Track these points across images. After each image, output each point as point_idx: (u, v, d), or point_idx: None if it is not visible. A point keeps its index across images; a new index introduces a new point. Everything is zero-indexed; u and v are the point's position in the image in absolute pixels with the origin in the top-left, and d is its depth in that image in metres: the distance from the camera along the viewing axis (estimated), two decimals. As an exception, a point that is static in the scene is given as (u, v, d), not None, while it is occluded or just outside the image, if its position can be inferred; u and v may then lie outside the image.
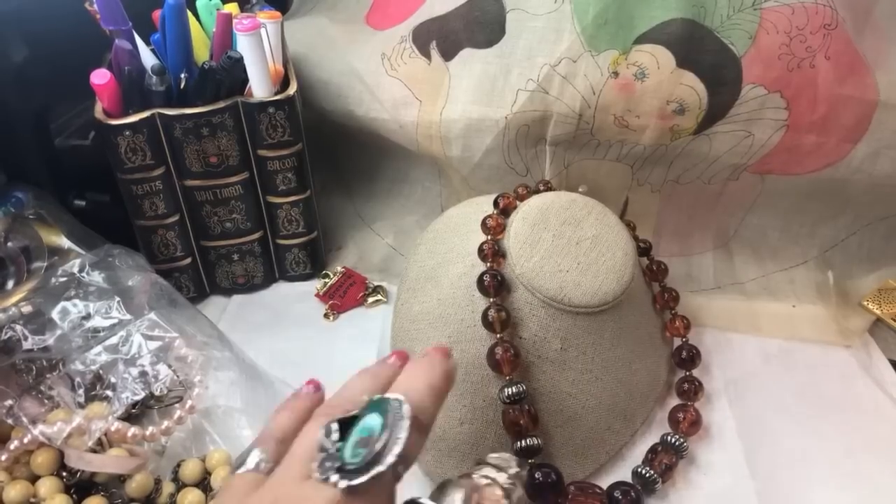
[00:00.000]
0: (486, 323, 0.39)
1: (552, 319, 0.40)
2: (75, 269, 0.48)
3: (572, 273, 0.41)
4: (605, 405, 0.42)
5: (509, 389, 0.37)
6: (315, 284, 0.57)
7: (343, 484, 0.21)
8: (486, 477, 0.26)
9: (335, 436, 0.23)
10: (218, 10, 0.49)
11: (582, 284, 0.41)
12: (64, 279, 0.47)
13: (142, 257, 0.51)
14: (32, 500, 0.39)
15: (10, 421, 0.40)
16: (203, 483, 0.41)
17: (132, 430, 0.40)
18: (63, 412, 0.41)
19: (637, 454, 0.44)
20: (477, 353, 0.39)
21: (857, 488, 0.42)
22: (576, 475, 0.41)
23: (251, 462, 0.25)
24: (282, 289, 0.58)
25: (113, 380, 0.43)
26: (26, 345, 0.43)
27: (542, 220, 0.42)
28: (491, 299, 0.39)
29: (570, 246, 0.42)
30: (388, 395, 0.24)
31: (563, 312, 0.40)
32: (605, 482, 0.41)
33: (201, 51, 0.50)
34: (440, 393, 0.25)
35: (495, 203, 0.44)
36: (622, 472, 0.43)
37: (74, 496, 0.39)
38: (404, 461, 0.22)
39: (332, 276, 0.57)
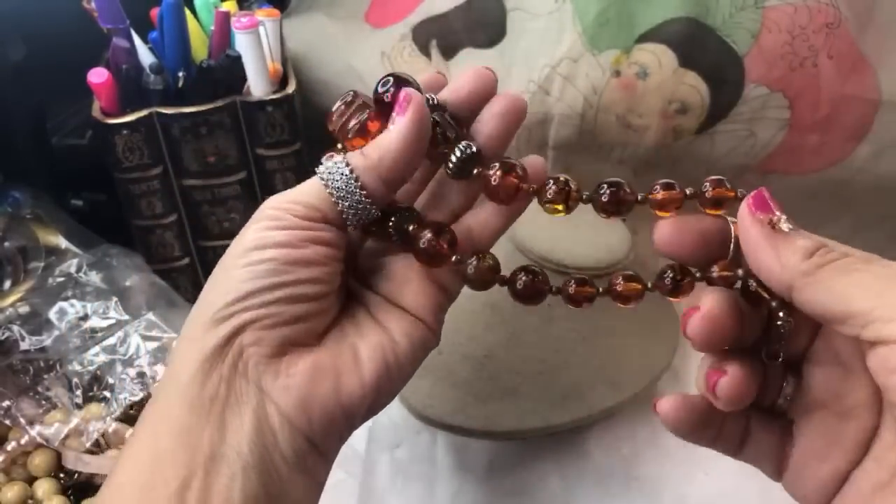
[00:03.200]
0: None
1: None
2: (73, 270, 0.47)
3: (565, 240, 0.43)
4: (591, 366, 0.43)
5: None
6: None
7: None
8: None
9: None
10: (216, 7, 0.49)
11: (572, 251, 0.43)
12: (61, 279, 0.47)
13: (139, 257, 0.51)
14: (30, 501, 0.39)
15: (7, 422, 0.40)
16: (201, 485, 0.40)
17: (130, 432, 0.40)
18: (60, 413, 0.41)
19: (624, 419, 0.45)
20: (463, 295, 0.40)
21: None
22: (551, 421, 0.42)
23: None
24: (281, 289, 0.58)
25: (111, 380, 0.43)
26: (23, 345, 0.43)
27: None
28: None
29: (567, 225, 0.43)
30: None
31: (553, 273, 0.42)
32: (585, 436, 0.44)
33: (199, 49, 0.50)
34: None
35: None
36: (601, 430, 0.45)
37: (72, 497, 0.39)
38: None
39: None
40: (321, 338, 0.26)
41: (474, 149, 0.27)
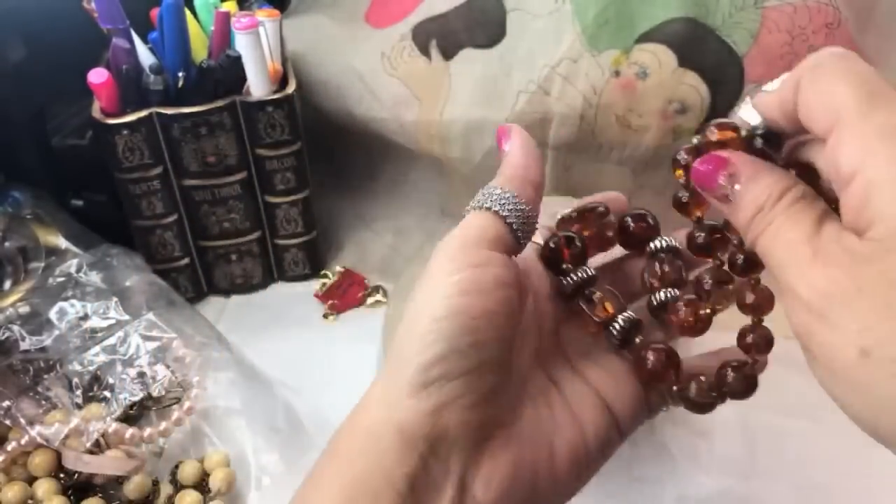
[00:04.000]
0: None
1: None
2: (73, 270, 0.47)
3: None
4: None
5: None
6: (314, 285, 0.57)
7: None
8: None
9: None
10: (216, 8, 0.49)
11: None
12: (61, 279, 0.47)
13: (140, 257, 0.51)
14: (30, 501, 0.38)
15: (7, 422, 0.40)
16: (201, 485, 0.40)
17: (130, 432, 0.40)
18: (61, 413, 0.41)
19: None
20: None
21: (858, 488, 0.42)
22: None
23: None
24: (280, 289, 0.58)
25: (111, 380, 0.43)
26: (23, 345, 0.43)
27: (543, 207, 0.45)
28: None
29: None
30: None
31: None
32: None
33: (199, 49, 0.50)
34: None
35: None
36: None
37: (72, 497, 0.39)
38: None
39: (331, 276, 0.57)
40: (516, 413, 0.25)
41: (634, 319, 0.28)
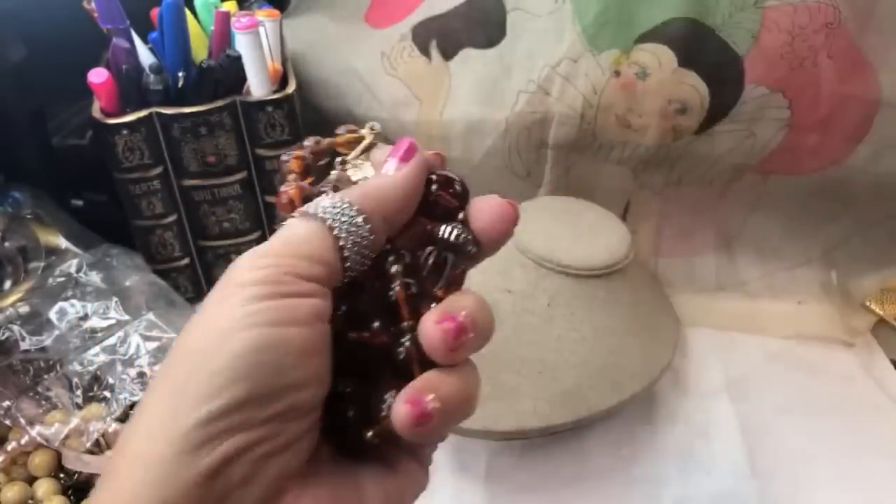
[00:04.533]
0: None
1: (540, 278, 0.44)
2: (73, 270, 0.47)
3: (564, 241, 0.44)
4: (591, 366, 0.43)
5: None
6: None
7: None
8: None
9: None
10: (216, 8, 0.49)
11: (572, 251, 0.44)
12: (61, 279, 0.47)
13: (140, 257, 0.51)
14: (30, 501, 0.39)
15: (7, 422, 0.40)
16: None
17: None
18: (61, 413, 0.41)
19: (624, 419, 0.46)
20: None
21: (858, 488, 0.42)
22: (551, 421, 0.42)
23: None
24: (281, 289, 0.58)
25: (111, 380, 0.43)
26: (23, 345, 0.43)
27: (543, 206, 0.47)
28: None
29: (567, 225, 0.46)
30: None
31: (552, 272, 0.44)
32: (585, 436, 0.45)
33: (199, 49, 0.50)
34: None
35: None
36: (601, 430, 0.45)
37: (72, 497, 0.39)
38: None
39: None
40: (315, 456, 0.20)
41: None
